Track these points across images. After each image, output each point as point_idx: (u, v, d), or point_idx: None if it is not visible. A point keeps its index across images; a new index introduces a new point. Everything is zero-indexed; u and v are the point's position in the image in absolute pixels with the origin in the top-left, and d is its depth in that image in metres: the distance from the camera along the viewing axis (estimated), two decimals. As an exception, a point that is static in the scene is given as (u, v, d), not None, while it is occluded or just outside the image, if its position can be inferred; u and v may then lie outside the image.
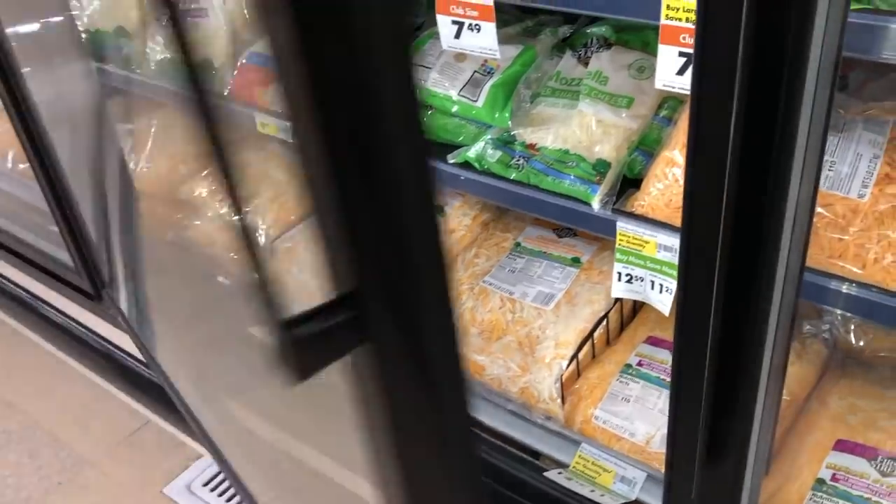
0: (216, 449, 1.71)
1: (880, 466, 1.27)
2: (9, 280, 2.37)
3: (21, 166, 1.96)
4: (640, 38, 1.44)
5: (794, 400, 1.40)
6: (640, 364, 1.44)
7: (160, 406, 2.01)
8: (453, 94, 1.49)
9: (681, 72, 1.16)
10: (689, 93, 0.79)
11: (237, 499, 2.27)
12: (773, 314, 0.94)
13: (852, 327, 1.49)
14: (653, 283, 1.32)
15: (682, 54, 1.14)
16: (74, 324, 2.18)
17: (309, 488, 1.71)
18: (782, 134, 0.74)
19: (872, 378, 1.44)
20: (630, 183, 1.35)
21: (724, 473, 1.06)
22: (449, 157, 1.47)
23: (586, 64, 1.46)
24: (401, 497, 0.61)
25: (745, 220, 0.85)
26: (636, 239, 1.29)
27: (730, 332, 0.95)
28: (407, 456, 0.60)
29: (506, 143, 1.44)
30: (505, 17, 1.61)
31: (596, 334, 1.47)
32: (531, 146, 1.42)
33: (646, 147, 1.38)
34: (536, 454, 1.44)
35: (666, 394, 1.38)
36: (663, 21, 1.06)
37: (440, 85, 1.51)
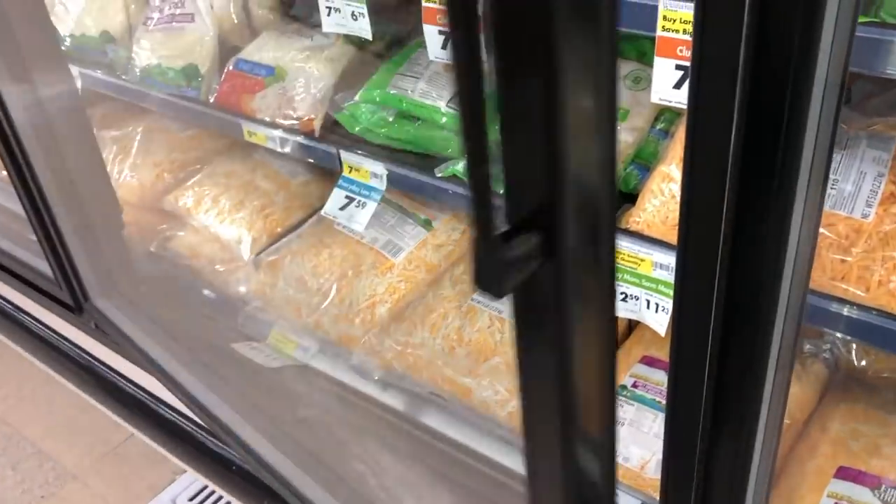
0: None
1: (883, 496, 1.22)
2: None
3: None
4: (636, 47, 1.39)
5: (793, 423, 1.35)
6: (634, 385, 1.38)
7: (144, 422, 1.96)
8: (441, 105, 1.44)
9: (678, 85, 1.11)
10: (686, 107, 0.75)
11: (221, 515, 2.22)
12: (776, 337, 0.89)
13: (854, 347, 1.44)
14: (648, 302, 1.27)
15: (678, 67, 1.09)
16: (56, 336, 2.13)
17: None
18: (786, 152, 0.69)
19: (875, 401, 1.38)
20: (625, 198, 1.30)
21: (722, 501, 1.01)
22: (436, 170, 1.42)
23: (580, 74, 1.40)
24: (564, 410, 0.65)
25: (746, 240, 0.80)
26: (631, 256, 1.24)
27: (729, 355, 0.90)
28: (574, 371, 0.63)
29: (495, 156, 1.39)
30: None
31: (588, 354, 1.41)
32: (522, 159, 1.36)
33: (642, 161, 1.33)
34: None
35: (661, 417, 1.32)
36: (659, 33, 1.01)
37: (428, 96, 1.46)
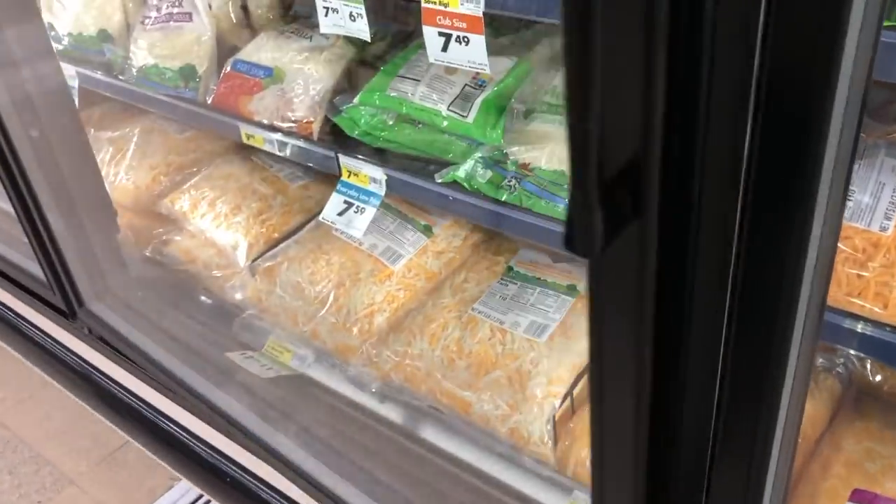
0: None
1: (900, 521, 1.16)
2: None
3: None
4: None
5: (805, 441, 1.30)
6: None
7: (138, 430, 1.92)
8: (442, 108, 1.39)
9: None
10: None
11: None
12: (793, 354, 0.84)
13: (869, 362, 1.39)
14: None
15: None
16: (51, 341, 2.09)
17: None
18: (807, 161, 0.64)
19: (891, 419, 1.33)
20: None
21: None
22: (437, 175, 1.37)
23: (585, 78, 1.36)
24: (648, 368, 0.66)
25: (761, 255, 0.75)
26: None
27: (742, 372, 0.85)
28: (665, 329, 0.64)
29: (497, 162, 1.34)
30: (498, 26, 1.51)
31: (592, 368, 1.37)
32: (524, 166, 1.32)
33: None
34: (527, 500, 1.34)
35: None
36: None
37: (429, 99, 1.41)
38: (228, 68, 1.73)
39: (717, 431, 0.87)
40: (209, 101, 1.74)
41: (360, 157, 1.48)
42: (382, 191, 1.47)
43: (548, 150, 1.30)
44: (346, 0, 1.32)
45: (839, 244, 1.03)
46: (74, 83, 1.97)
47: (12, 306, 2.19)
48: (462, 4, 1.15)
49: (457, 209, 1.37)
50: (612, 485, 0.81)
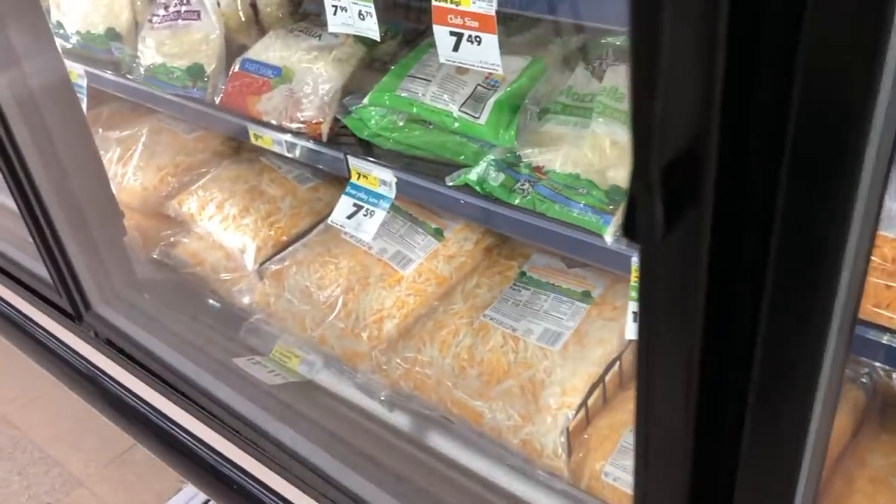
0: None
1: (929, 541, 1.12)
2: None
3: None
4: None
5: (828, 455, 1.25)
6: (656, 413, 1.29)
7: (143, 433, 1.89)
8: (454, 109, 1.35)
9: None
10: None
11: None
12: (826, 367, 0.80)
13: (895, 374, 1.34)
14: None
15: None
16: (57, 343, 2.07)
17: None
18: (847, 163, 0.60)
19: (919, 434, 1.29)
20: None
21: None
22: (448, 178, 1.33)
23: (601, 78, 1.31)
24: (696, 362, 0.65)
25: (792, 265, 0.70)
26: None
27: (770, 385, 0.81)
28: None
29: (510, 164, 1.30)
30: (511, 23, 1.47)
31: (607, 377, 1.33)
32: (538, 169, 1.28)
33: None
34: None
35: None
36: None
37: (440, 99, 1.37)
38: (236, 67, 1.70)
39: (745, 437, 0.83)
40: (217, 101, 1.70)
41: (369, 159, 1.44)
42: (392, 193, 1.43)
43: (562, 153, 1.26)
44: (354, -2, 1.29)
45: (867, 253, 0.99)
46: (83, 82, 1.94)
47: (20, 308, 2.17)
48: (474, 3, 1.11)
49: (468, 213, 1.33)
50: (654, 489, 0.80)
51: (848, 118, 0.55)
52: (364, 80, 1.57)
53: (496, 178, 1.29)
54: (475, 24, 1.11)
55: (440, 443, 1.45)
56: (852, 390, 1.33)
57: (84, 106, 1.89)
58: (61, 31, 2.03)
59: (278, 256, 1.68)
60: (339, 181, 1.60)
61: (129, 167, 1.98)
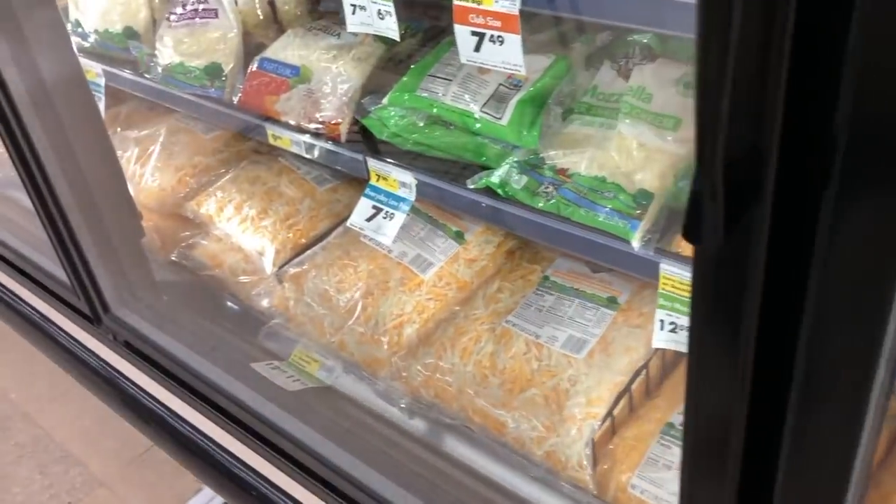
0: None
1: (970, 559, 1.07)
2: (14, 294, 2.26)
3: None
4: (691, 48, 1.25)
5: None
6: (684, 424, 1.25)
7: (161, 436, 1.88)
8: (475, 110, 1.32)
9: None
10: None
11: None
12: (878, 378, 0.75)
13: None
14: (701, 333, 1.13)
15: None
16: (76, 344, 2.06)
17: None
18: None
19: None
20: (676, 216, 1.16)
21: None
22: (469, 181, 1.29)
23: (627, 77, 1.27)
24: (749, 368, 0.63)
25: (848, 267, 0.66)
26: (683, 284, 1.11)
27: (816, 398, 0.76)
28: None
29: (533, 166, 1.27)
30: (533, 21, 1.43)
31: (634, 386, 1.29)
32: (562, 171, 1.24)
33: (695, 175, 1.19)
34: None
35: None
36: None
37: (461, 100, 1.34)
38: (254, 67, 1.67)
39: (794, 451, 0.79)
40: (235, 101, 1.68)
41: (388, 160, 1.41)
42: (412, 196, 1.40)
43: (588, 155, 1.22)
44: (373, -4, 1.26)
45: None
46: (101, 81, 1.92)
47: (41, 310, 2.17)
48: (497, 2, 1.07)
49: (490, 217, 1.30)
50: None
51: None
52: (383, 80, 1.54)
53: (519, 181, 1.26)
54: (497, 23, 1.08)
55: (464, 451, 1.42)
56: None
57: (102, 105, 1.87)
58: (79, 30, 2.01)
59: (297, 259, 1.65)
60: (359, 182, 1.57)
61: (148, 167, 1.96)
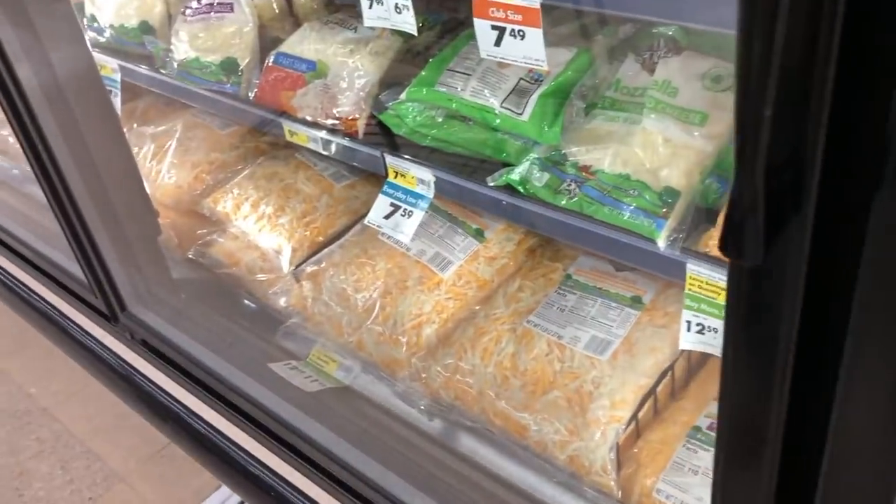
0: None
1: None
2: (33, 292, 2.26)
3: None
4: (717, 41, 1.21)
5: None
6: (710, 427, 1.22)
7: (178, 434, 1.86)
8: (495, 105, 1.29)
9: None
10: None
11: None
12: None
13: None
14: (729, 335, 1.10)
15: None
16: (93, 342, 2.05)
17: None
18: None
19: None
20: (703, 214, 1.13)
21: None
22: (489, 179, 1.26)
23: (652, 71, 1.23)
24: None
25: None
26: (710, 285, 1.07)
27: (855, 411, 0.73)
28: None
29: (555, 163, 1.23)
30: (554, 13, 1.39)
31: (659, 388, 1.25)
32: (585, 168, 1.20)
33: (723, 172, 1.15)
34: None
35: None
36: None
37: (480, 95, 1.31)
38: (270, 61, 1.65)
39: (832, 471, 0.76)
40: (251, 97, 1.65)
41: (406, 157, 1.38)
42: (431, 193, 1.37)
43: (611, 151, 1.19)
44: (390, -10, 1.22)
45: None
46: (117, 77, 1.91)
47: (59, 307, 2.16)
48: (517, -5, 1.04)
49: (510, 215, 1.27)
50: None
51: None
52: (400, 73, 1.51)
53: (540, 179, 1.22)
54: (518, 17, 1.04)
55: (485, 453, 1.39)
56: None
57: (118, 101, 1.86)
58: (95, 25, 1.99)
59: (314, 258, 1.63)
60: (377, 178, 1.54)
61: (164, 164, 1.94)
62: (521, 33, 1.05)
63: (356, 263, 1.55)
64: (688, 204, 1.12)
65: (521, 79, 1.30)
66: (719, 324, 1.10)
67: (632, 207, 1.12)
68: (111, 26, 1.96)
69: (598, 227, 1.15)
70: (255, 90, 1.65)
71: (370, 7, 1.27)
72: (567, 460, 1.23)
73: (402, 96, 1.41)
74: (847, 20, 0.44)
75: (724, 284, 1.06)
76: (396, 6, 1.23)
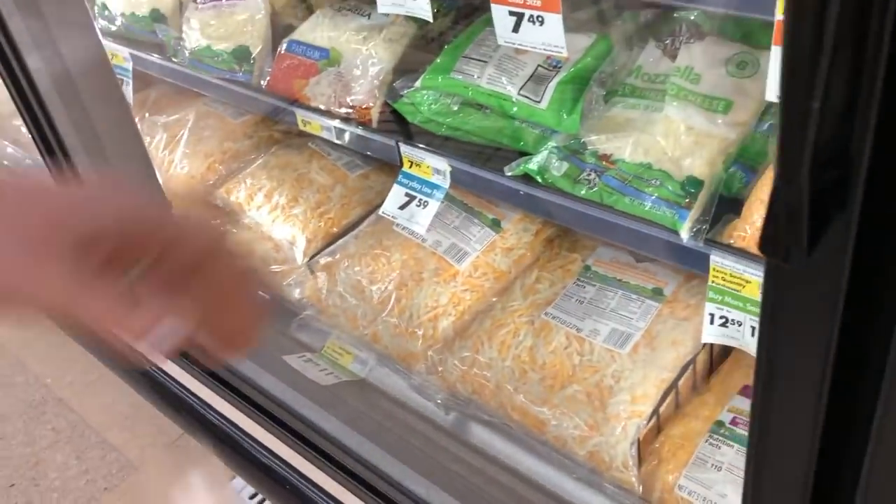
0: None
1: None
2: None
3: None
4: (741, 26, 1.18)
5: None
6: (733, 422, 1.19)
7: (191, 425, 1.85)
8: (513, 92, 1.26)
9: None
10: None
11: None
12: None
13: None
14: (753, 328, 1.07)
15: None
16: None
17: None
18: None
19: None
20: (726, 203, 1.10)
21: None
22: (506, 168, 1.23)
23: (674, 57, 1.20)
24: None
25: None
26: (734, 277, 1.04)
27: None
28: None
29: (574, 152, 1.20)
30: (574, -1, 1.36)
31: (680, 382, 1.23)
32: (605, 157, 1.17)
33: (747, 161, 1.12)
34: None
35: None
36: (780, 17, 0.81)
37: (497, 82, 1.28)
38: (282, 49, 1.62)
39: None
40: (264, 85, 1.63)
41: (421, 146, 1.35)
42: (446, 183, 1.35)
43: (632, 140, 1.16)
44: (405, -25, 1.20)
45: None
46: (129, 65, 1.89)
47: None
48: (535, -21, 1.01)
49: (528, 205, 1.24)
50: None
51: None
52: (414, 60, 1.48)
53: (559, 168, 1.20)
54: (537, 3, 1.01)
55: (502, 448, 1.37)
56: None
57: (130, 90, 1.84)
58: (106, 13, 1.97)
59: (329, 249, 1.61)
60: (391, 168, 1.51)
61: (176, 154, 1.92)
62: (540, 19, 1.02)
63: (371, 255, 1.53)
64: (711, 193, 1.09)
65: (539, 66, 1.27)
66: (743, 316, 1.07)
67: (653, 197, 1.10)
68: (122, 14, 1.94)
69: (619, 217, 1.12)
70: (268, 78, 1.62)
71: (384, -7, 1.25)
72: (587, 455, 1.20)
73: (417, 84, 1.39)
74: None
75: (748, 276, 1.03)
76: (411, -8, 1.20)
